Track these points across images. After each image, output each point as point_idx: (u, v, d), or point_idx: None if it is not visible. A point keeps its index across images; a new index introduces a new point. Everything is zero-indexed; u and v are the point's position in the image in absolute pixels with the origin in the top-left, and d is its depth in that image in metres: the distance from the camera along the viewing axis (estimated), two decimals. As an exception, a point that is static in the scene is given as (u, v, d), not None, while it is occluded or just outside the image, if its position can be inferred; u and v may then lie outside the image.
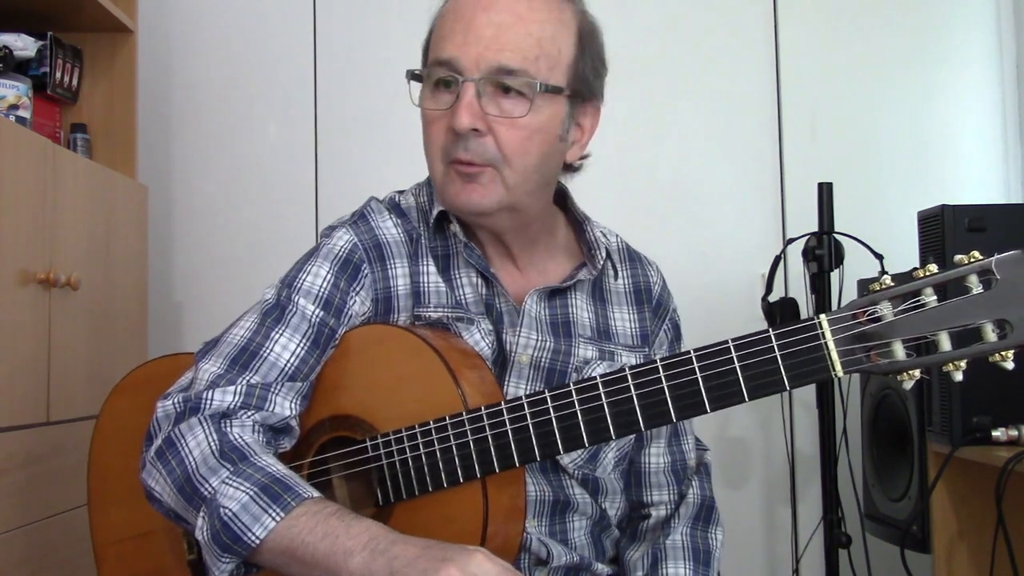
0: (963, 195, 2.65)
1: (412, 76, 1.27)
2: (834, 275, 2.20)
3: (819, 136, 2.77)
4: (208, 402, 1.15)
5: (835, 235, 2.18)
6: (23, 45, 2.19)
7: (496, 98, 1.21)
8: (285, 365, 1.19)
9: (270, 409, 1.16)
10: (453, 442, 1.14)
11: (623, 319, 1.38)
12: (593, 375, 1.14)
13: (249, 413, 1.15)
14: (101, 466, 1.37)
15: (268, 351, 1.19)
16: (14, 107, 2.08)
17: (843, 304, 2.14)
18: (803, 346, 1.06)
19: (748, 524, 2.72)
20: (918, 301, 1.04)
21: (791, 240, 2.26)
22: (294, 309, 1.22)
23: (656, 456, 1.39)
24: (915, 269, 2.02)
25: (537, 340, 1.28)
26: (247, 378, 1.17)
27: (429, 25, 1.29)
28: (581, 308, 1.34)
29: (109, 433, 1.38)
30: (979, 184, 2.76)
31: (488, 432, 1.13)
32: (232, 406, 1.15)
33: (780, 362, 1.06)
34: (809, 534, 2.51)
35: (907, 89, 2.78)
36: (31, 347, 1.87)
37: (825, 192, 2.20)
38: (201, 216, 2.78)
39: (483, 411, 1.14)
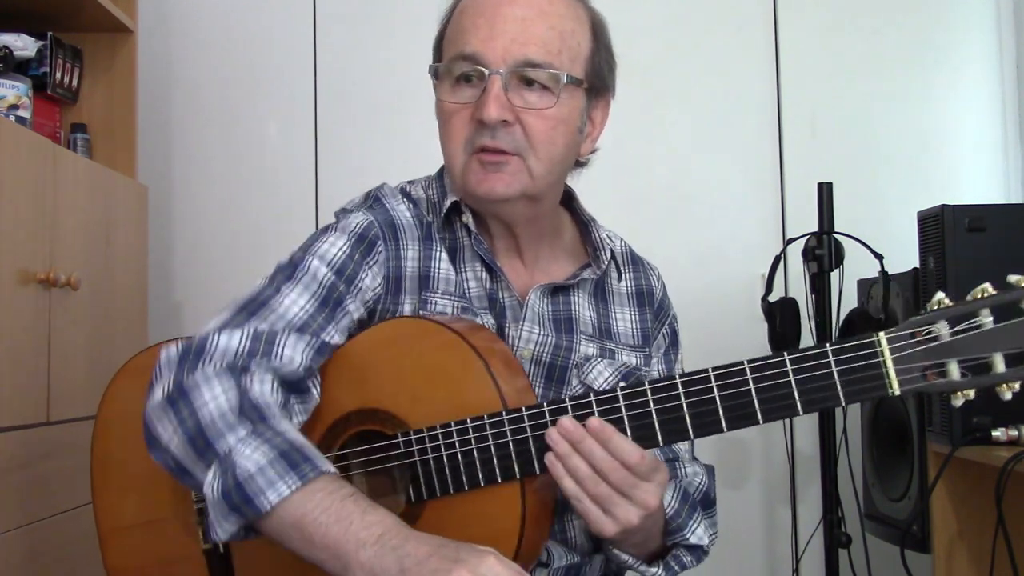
0: (963, 195, 2.65)
1: (436, 72, 1.28)
2: (834, 275, 2.20)
3: (819, 136, 2.77)
4: (214, 344, 1.12)
5: (835, 235, 2.18)
6: (23, 45, 2.19)
7: (521, 91, 1.23)
8: (293, 317, 1.18)
9: (277, 356, 1.14)
10: (492, 441, 1.13)
11: (624, 319, 1.38)
12: (642, 380, 1.14)
13: (258, 360, 1.12)
14: (104, 451, 1.35)
15: (277, 303, 1.19)
16: (14, 107, 2.08)
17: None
18: (861, 363, 1.06)
19: (748, 524, 2.72)
20: (974, 322, 1.04)
21: (791, 240, 2.26)
22: (306, 268, 1.22)
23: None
24: (912, 271, 2.02)
25: (540, 335, 1.29)
26: (254, 324, 1.16)
27: (442, 20, 1.31)
28: (583, 306, 1.35)
29: (112, 418, 1.35)
30: (979, 184, 2.76)
31: (529, 433, 1.12)
32: (239, 350, 1.12)
33: (836, 378, 1.06)
34: (809, 534, 2.51)
35: (907, 89, 2.78)
36: (31, 347, 1.87)
37: (825, 192, 2.20)
38: (201, 216, 2.78)
39: (524, 411, 1.13)
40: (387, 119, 2.73)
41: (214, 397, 1.08)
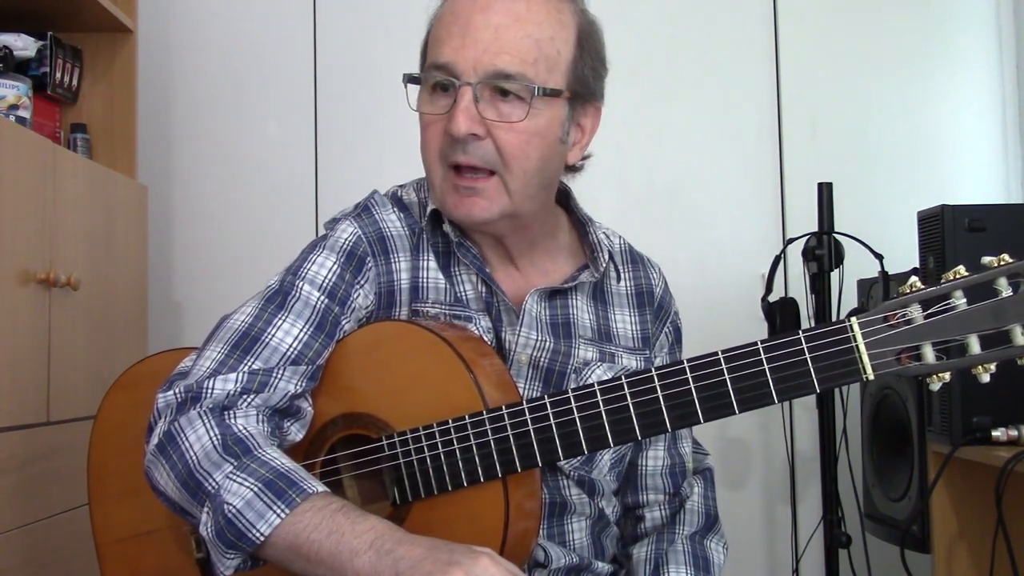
0: (963, 195, 2.65)
1: (410, 79, 1.26)
2: (834, 275, 2.20)
3: (819, 136, 2.77)
4: (209, 391, 1.13)
5: (835, 235, 2.18)
6: (23, 45, 2.19)
7: (494, 102, 1.20)
8: (288, 350, 1.18)
9: (272, 390, 1.15)
10: (473, 441, 1.13)
11: (624, 321, 1.37)
12: (618, 376, 1.13)
13: (250, 399, 1.14)
14: (100, 464, 1.36)
15: (270, 336, 1.18)
16: (14, 107, 2.08)
17: (836, 306, 2.18)
18: (834, 348, 1.06)
19: (748, 524, 2.72)
20: (948, 304, 1.04)
21: (791, 240, 2.26)
22: (297, 295, 1.21)
23: (654, 460, 1.39)
24: (912, 270, 2.03)
25: (537, 340, 1.28)
26: (248, 364, 1.16)
27: (427, 26, 1.28)
28: (581, 309, 1.33)
29: (108, 430, 1.37)
30: (979, 184, 2.76)
31: (510, 431, 1.13)
32: (233, 394, 1.14)
33: (810, 364, 1.06)
34: (809, 534, 2.51)
35: (907, 89, 2.78)
36: (31, 347, 1.87)
37: (825, 192, 2.20)
38: (201, 216, 2.78)
39: (504, 410, 1.13)
40: (387, 118, 2.72)
41: (199, 438, 1.10)
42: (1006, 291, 1.02)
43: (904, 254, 2.16)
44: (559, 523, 1.29)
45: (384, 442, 1.17)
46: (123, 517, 1.33)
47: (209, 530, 1.06)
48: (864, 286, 2.33)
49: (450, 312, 1.27)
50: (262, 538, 1.04)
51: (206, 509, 1.07)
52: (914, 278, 1.06)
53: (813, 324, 2.14)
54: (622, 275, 1.39)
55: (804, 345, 1.07)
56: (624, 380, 1.11)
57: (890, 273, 2.10)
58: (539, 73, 1.20)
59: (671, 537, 1.36)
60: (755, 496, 2.74)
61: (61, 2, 2.25)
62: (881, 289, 2.10)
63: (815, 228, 2.20)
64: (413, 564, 0.98)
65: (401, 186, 1.37)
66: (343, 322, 1.22)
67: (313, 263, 1.24)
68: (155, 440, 1.13)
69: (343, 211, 1.34)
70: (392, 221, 1.30)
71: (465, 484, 1.14)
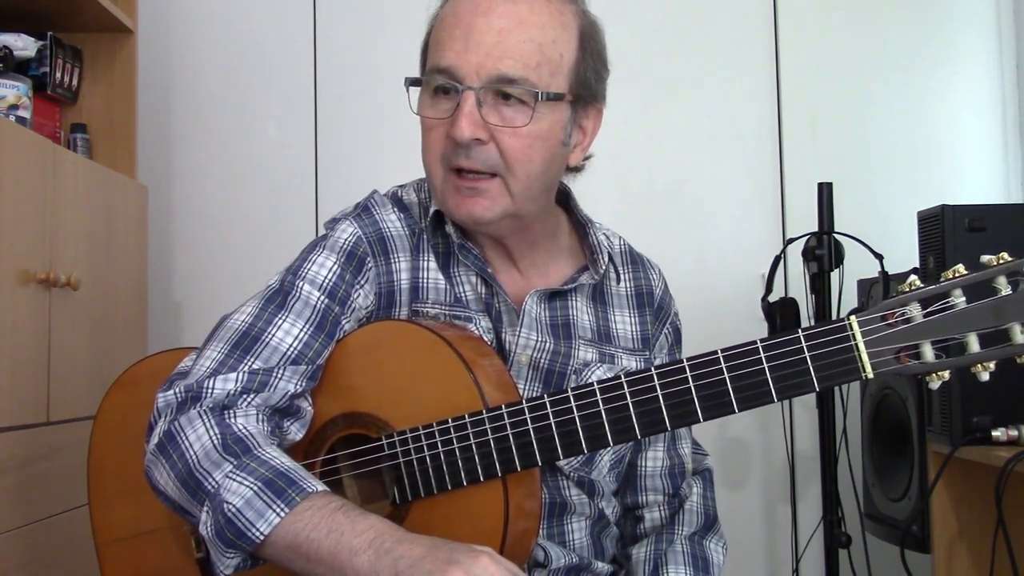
0: (963, 195, 2.65)
1: (412, 82, 1.25)
2: (834, 275, 2.20)
3: (819, 136, 2.77)
4: (209, 391, 1.14)
5: (835, 235, 2.18)
6: (23, 45, 2.19)
7: (497, 106, 1.20)
8: (288, 349, 1.18)
9: (272, 390, 1.15)
10: (473, 441, 1.13)
11: (624, 322, 1.37)
12: (618, 375, 1.13)
13: (250, 398, 1.14)
14: (100, 464, 1.36)
15: (270, 336, 1.18)
16: (14, 107, 2.08)
17: (835, 305, 2.18)
18: (833, 347, 1.06)
19: (748, 524, 2.72)
20: (947, 302, 1.04)
21: (791, 240, 2.26)
22: (297, 295, 1.21)
23: (653, 460, 1.39)
24: (912, 270, 2.03)
25: (537, 341, 1.28)
26: (249, 364, 1.16)
27: (427, 28, 1.28)
28: (581, 310, 1.33)
29: (108, 430, 1.37)
30: (979, 184, 2.76)
31: (510, 431, 1.13)
32: (233, 393, 1.14)
33: (809, 363, 1.06)
34: (809, 534, 2.51)
35: (907, 89, 2.78)
36: (31, 347, 1.87)
37: (825, 192, 2.21)
38: (201, 216, 2.78)
39: (503, 410, 1.13)
40: (387, 118, 2.72)
41: (198, 438, 1.10)
42: (1005, 289, 1.02)
43: (904, 254, 2.16)
44: (559, 523, 1.29)
45: (384, 441, 1.17)
46: (123, 517, 1.33)
47: (209, 529, 1.06)
48: (864, 286, 2.33)
49: (450, 312, 1.27)
50: (262, 537, 1.04)
51: (206, 508, 1.07)
52: (913, 277, 1.06)
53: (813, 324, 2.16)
54: (622, 276, 1.39)
55: (803, 344, 1.07)
56: (624, 379, 1.11)
57: (890, 273, 2.10)
58: (542, 77, 1.20)
59: (670, 537, 1.36)
60: (755, 496, 2.74)
61: (61, 2, 2.25)
62: (881, 289, 2.10)
63: (815, 228, 2.20)
64: (413, 563, 0.97)
65: (401, 186, 1.37)
66: (343, 322, 1.22)
67: (313, 263, 1.24)
68: (155, 439, 1.13)
69: (343, 211, 1.34)
70: (392, 221, 1.30)
71: (465, 483, 1.14)
